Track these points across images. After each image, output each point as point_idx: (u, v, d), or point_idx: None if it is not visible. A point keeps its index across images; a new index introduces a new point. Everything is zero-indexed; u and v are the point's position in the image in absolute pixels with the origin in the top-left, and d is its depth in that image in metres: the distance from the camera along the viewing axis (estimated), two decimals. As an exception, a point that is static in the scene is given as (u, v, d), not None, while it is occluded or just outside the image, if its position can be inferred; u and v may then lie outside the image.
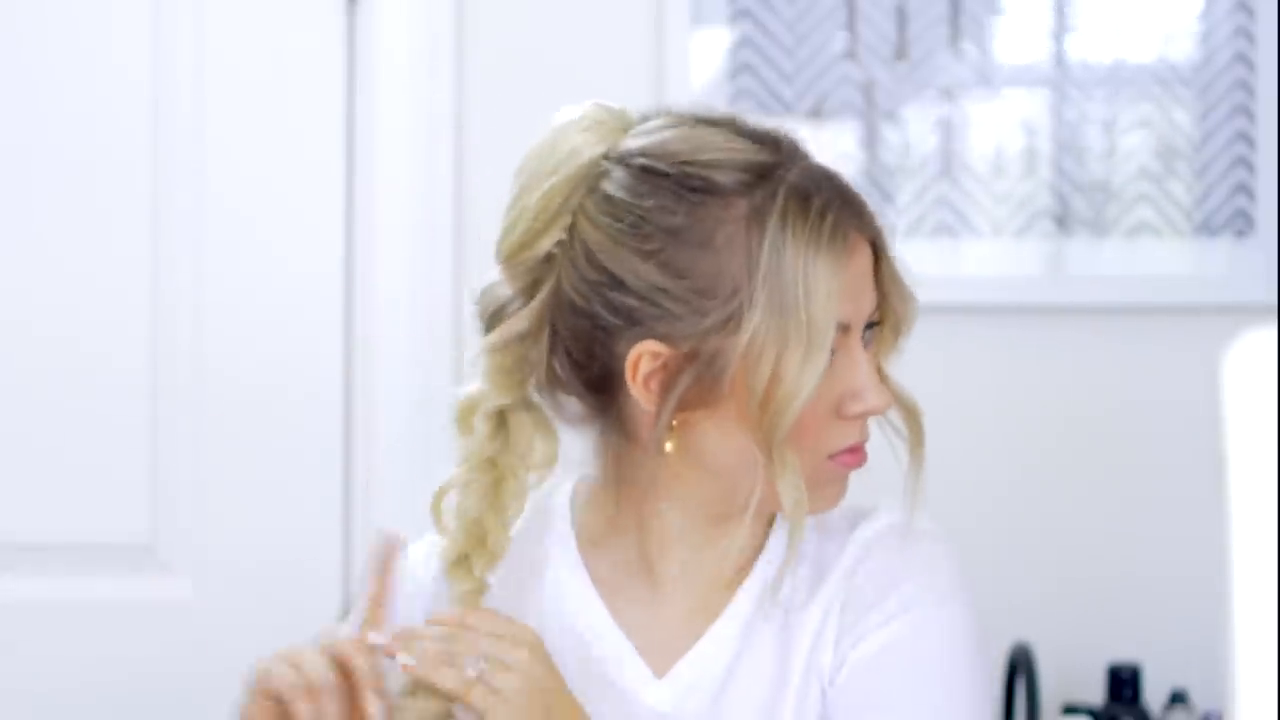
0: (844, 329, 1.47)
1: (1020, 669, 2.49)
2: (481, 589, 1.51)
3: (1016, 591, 2.62)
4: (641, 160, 1.47)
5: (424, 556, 1.57)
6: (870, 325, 1.51)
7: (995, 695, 2.59)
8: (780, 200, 1.44)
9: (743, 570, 1.55)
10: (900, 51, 2.66)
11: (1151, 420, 2.63)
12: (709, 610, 1.54)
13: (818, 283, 1.43)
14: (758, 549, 1.55)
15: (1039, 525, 2.63)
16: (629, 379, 1.46)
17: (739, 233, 1.44)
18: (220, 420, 2.62)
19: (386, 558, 1.48)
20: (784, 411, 1.43)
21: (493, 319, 1.51)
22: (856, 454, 1.51)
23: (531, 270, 1.49)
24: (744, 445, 1.46)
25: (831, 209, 1.45)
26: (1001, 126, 2.66)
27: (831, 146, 2.65)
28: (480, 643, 1.44)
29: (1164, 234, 2.66)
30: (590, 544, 1.56)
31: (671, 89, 2.60)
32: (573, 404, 1.52)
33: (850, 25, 2.66)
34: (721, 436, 1.47)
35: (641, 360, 1.46)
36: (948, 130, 2.66)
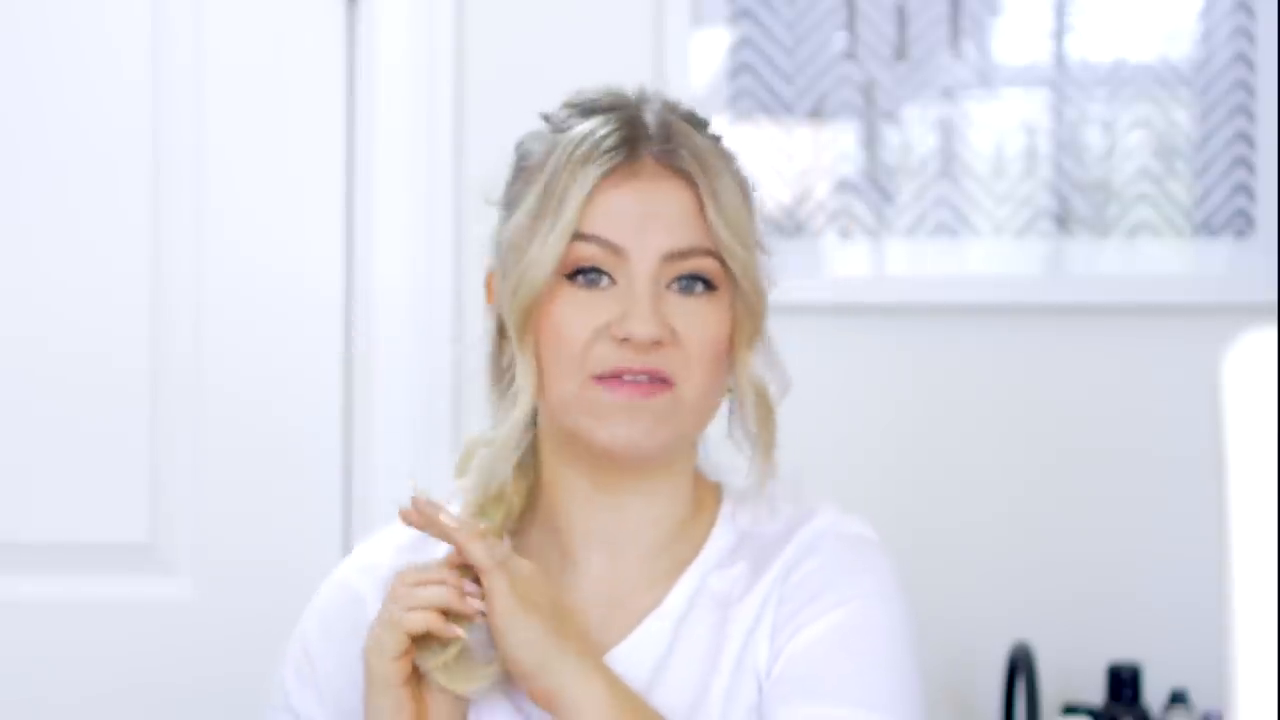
0: (614, 250, 1.50)
1: (1020, 669, 2.49)
2: (499, 533, 1.55)
3: (1016, 591, 2.62)
4: (544, 113, 1.60)
5: (388, 549, 1.60)
6: (692, 280, 1.52)
7: (995, 695, 2.59)
8: (587, 125, 1.53)
9: (683, 560, 1.56)
10: (900, 51, 2.66)
11: (1151, 420, 2.63)
12: (643, 601, 1.55)
13: (576, 190, 1.50)
14: (698, 545, 1.57)
15: (1039, 525, 2.63)
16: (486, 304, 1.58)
17: (549, 150, 1.54)
18: (220, 421, 2.62)
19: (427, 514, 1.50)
20: (517, 294, 1.50)
21: None
22: (623, 384, 1.50)
23: None
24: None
25: (614, 137, 1.52)
26: (1001, 126, 2.66)
27: (831, 146, 2.65)
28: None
29: (1164, 234, 2.66)
30: (517, 545, 1.57)
31: (671, 89, 2.59)
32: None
33: (850, 25, 2.66)
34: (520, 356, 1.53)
35: (491, 282, 1.58)
36: (948, 130, 2.66)
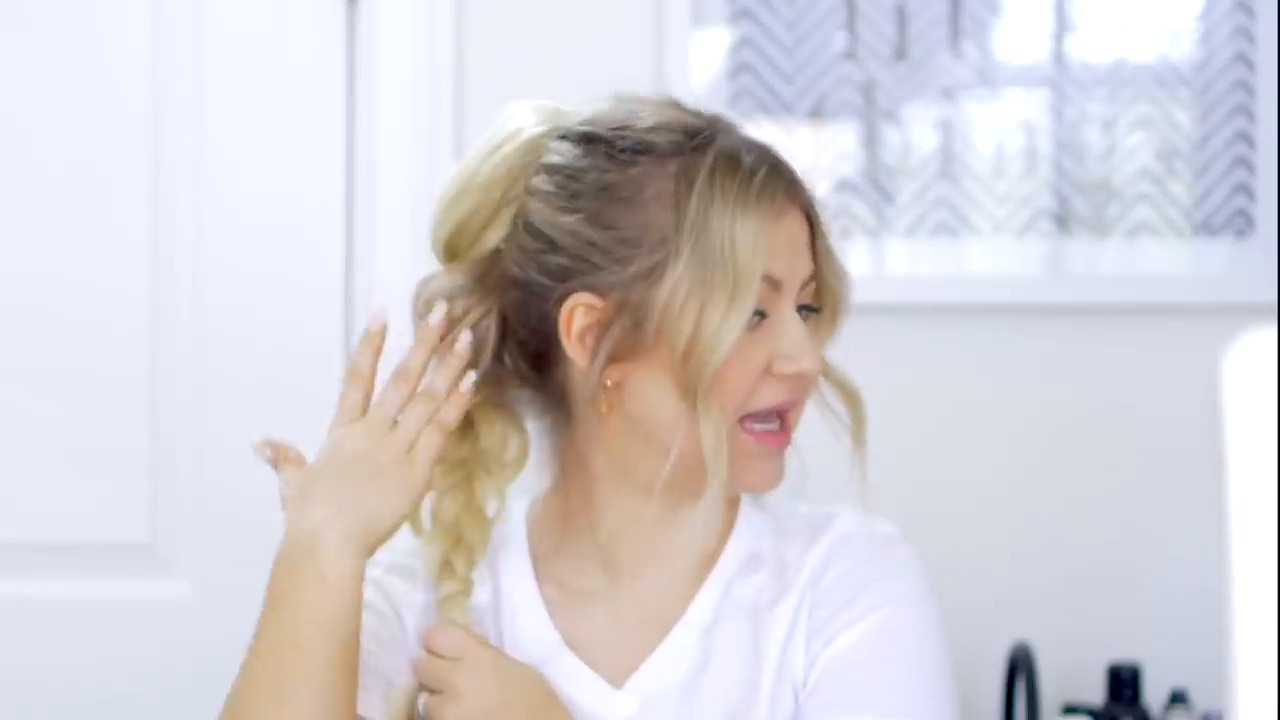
0: (774, 285, 1.48)
1: (1020, 669, 2.49)
2: (467, 589, 1.53)
3: (1016, 591, 2.62)
4: (581, 129, 1.51)
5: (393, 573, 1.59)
6: (809, 309, 1.52)
7: (995, 695, 2.59)
8: (710, 158, 1.47)
9: (704, 569, 1.55)
10: (900, 51, 2.66)
11: (1151, 420, 2.63)
12: (669, 613, 1.54)
13: (744, 234, 1.46)
14: (716, 552, 1.56)
15: (1039, 525, 2.63)
16: (564, 336, 1.48)
17: (667, 188, 1.47)
18: (220, 421, 2.63)
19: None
20: (706, 361, 1.45)
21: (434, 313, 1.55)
22: (776, 433, 1.50)
23: (478, 264, 1.53)
24: (673, 402, 1.47)
25: (761, 169, 1.48)
26: (1001, 126, 2.66)
27: (831, 146, 2.65)
28: (436, 666, 1.49)
29: (1164, 234, 2.66)
30: (548, 556, 1.57)
31: (671, 89, 2.60)
32: (524, 397, 1.55)
33: (850, 25, 2.66)
34: (651, 394, 1.48)
35: (575, 315, 1.48)
36: (948, 130, 2.66)
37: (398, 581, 1.57)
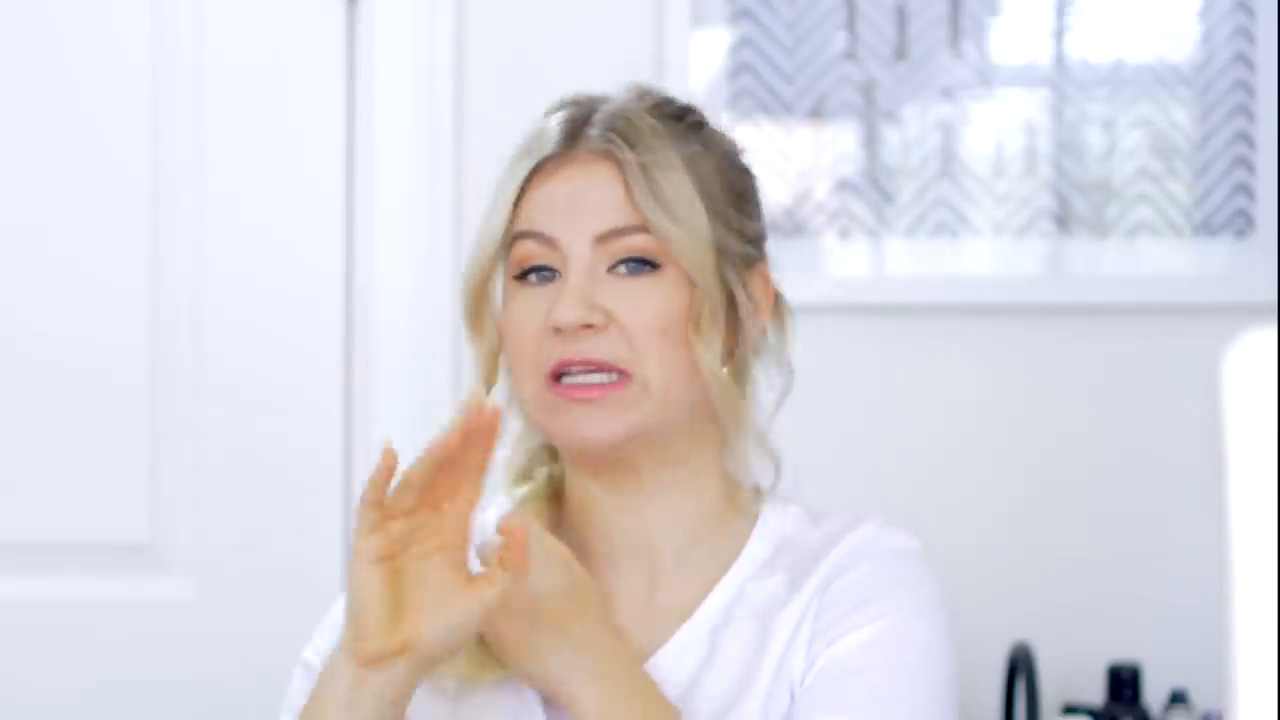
0: (545, 242, 1.49)
1: (1020, 669, 2.49)
2: (540, 502, 1.55)
3: (1016, 591, 2.62)
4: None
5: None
6: (639, 262, 1.49)
7: (995, 695, 2.59)
8: (539, 124, 1.53)
9: (721, 568, 1.54)
10: (900, 51, 2.66)
11: (1151, 420, 2.63)
12: (679, 611, 1.53)
13: (509, 184, 1.50)
14: (735, 551, 1.55)
15: (1039, 525, 2.63)
16: None
17: None
18: (220, 420, 2.63)
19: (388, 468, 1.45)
20: (463, 286, 1.52)
21: None
22: (575, 388, 1.47)
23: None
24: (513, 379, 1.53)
25: (539, 131, 1.52)
26: (1001, 126, 2.66)
27: (831, 146, 2.65)
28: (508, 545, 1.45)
29: (1164, 234, 2.66)
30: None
31: (671, 89, 2.60)
32: None
33: (850, 25, 2.66)
34: (511, 374, 1.54)
35: None
36: (948, 130, 2.66)
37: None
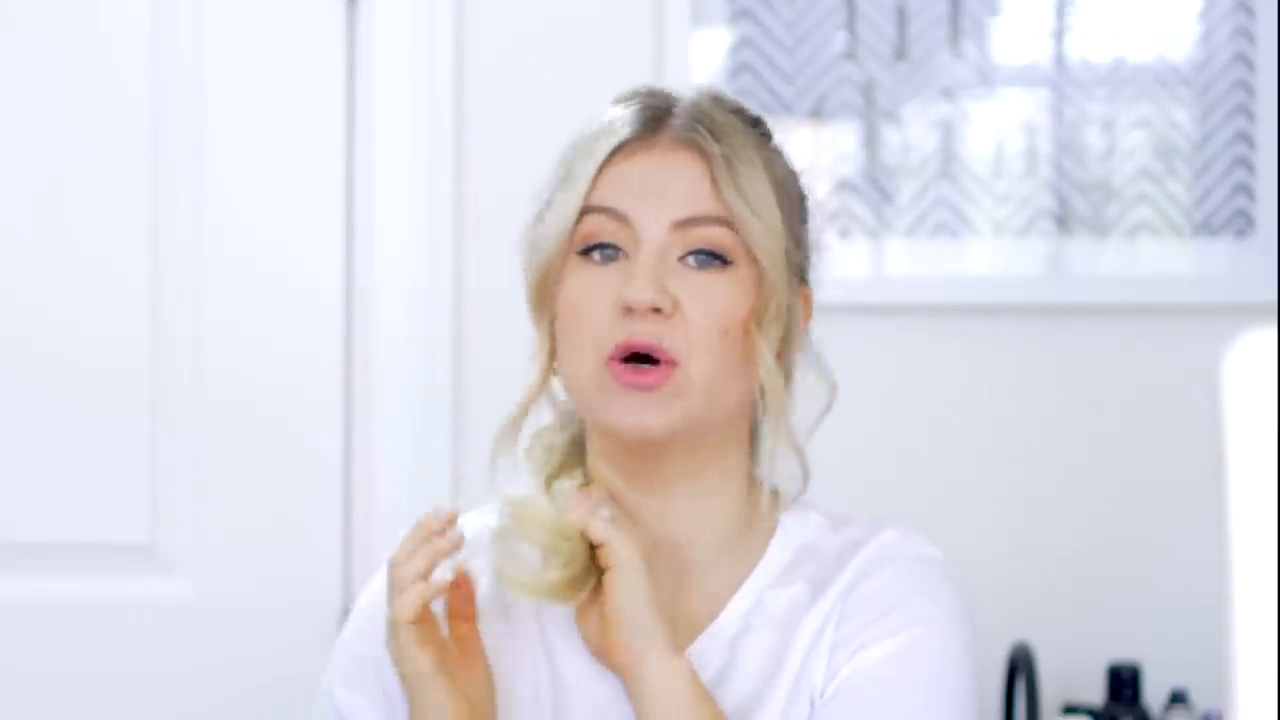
0: (617, 218, 1.48)
1: (1020, 669, 2.49)
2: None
3: (1016, 591, 2.62)
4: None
5: (478, 526, 1.55)
6: (708, 255, 1.48)
7: (995, 695, 2.59)
8: (613, 110, 1.53)
9: (740, 576, 1.53)
10: (900, 51, 2.66)
11: (1151, 420, 2.63)
12: (698, 620, 1.52)
13: (586, 164, 1.50)
14: (755, 558, 1.54)
15: (1039, 525, 2.63)
16: None
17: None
18: (220, 420, 2.63)
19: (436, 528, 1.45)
20: (531, 268, 1.51)
21: None
22: (631, 373, 1.46)
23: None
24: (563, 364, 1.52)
25: (620, 111, 1.52)
26: (1001, 126, 2.66)
27: (831, 146, 2.65)
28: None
29: (1164, 234, 2.66)
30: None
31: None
32: None
33: (850, 25, 2.66)
34: (563, 355, 1.52)
35: None
36: (948, 130, 2.66)
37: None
